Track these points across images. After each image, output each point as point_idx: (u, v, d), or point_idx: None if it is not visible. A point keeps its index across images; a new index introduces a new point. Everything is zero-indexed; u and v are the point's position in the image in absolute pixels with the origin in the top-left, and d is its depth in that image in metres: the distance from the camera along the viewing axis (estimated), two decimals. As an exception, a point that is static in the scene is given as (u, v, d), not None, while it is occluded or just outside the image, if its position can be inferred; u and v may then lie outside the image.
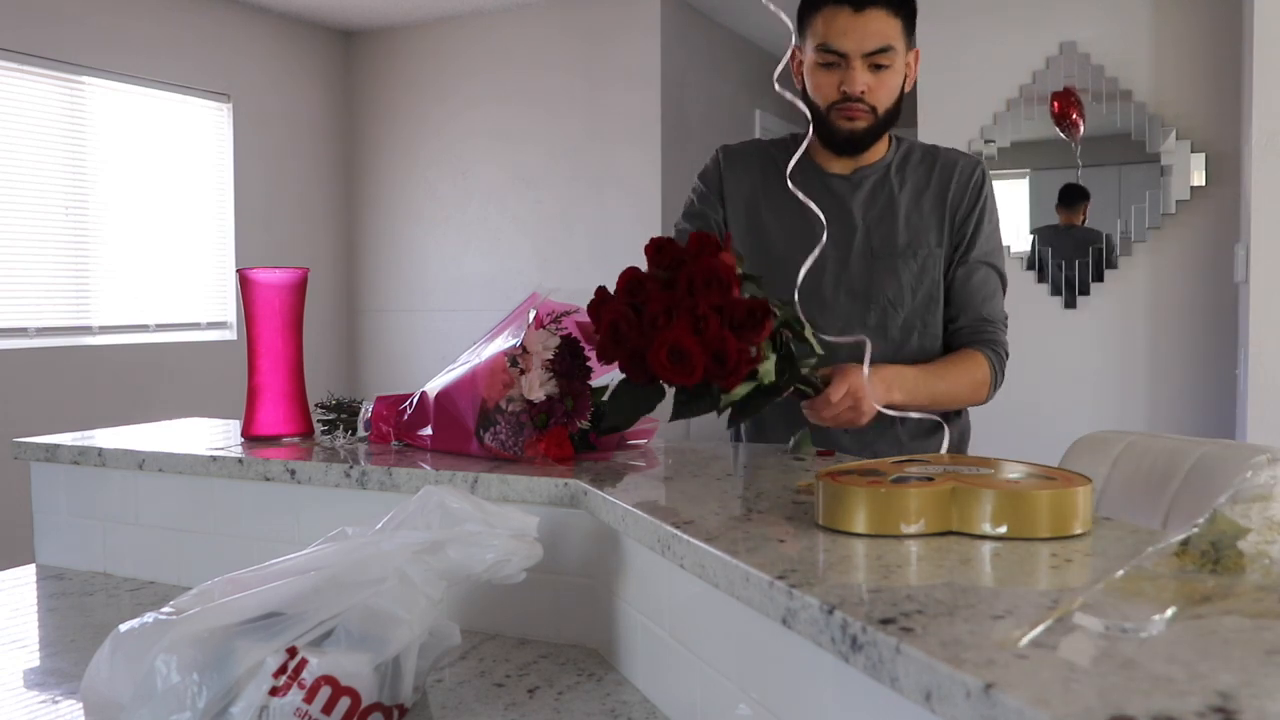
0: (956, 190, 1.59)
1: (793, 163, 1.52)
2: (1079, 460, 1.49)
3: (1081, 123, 3.79)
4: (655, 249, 1.18)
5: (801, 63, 1.56)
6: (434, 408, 1.33)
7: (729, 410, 1.21)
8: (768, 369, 1.18)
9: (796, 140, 1.66)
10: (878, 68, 1.49)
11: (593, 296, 1.21)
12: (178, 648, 0.80)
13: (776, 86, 1.45)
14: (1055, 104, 3.81)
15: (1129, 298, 3.81)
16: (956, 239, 1.59)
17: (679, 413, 1.20)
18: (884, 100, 1.52)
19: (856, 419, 1.36)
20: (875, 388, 1.37)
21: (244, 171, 4.81)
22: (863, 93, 1.49)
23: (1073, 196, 3.87)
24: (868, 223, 1.57)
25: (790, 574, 0.71)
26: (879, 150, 1.60)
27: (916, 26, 1.53)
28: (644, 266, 1.20)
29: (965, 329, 1.59)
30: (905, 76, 1.55)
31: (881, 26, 1.47)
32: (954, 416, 1.64)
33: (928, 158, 1.62)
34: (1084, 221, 3.86)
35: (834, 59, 1.49)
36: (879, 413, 1.38)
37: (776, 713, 0.75)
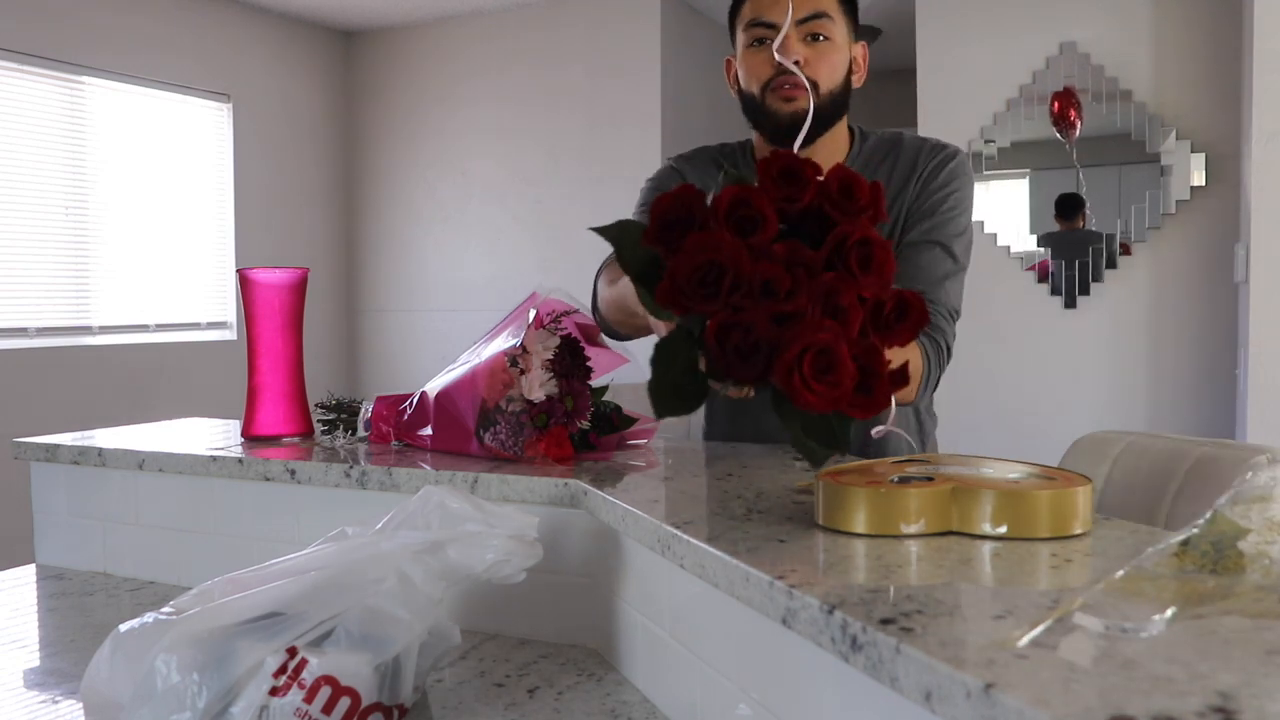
0: (915, 176, 1.44)
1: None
2: (1078, 460, 1.49)
3: (1079, 124, 3.79)
4: (780, 174, 0.78)
5: (736, 73, 1.43)
6: (434, 408, 1.33)
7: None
8: None
9: (746, 147, 1.55)
10: (814, 38, 1.36)
11: (656, 192, 0.81)
12: (178, 648, 0.80)
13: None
14: (1055, 104, 3.81)
15: (1129, 298, 3.81)
16: (906, 216, 1.43)
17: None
18: (826, 76, 1.36)
19: None
20: None
21: (244, 171, 4.81)
22: (798, 63, 1.33)
23: (1070, 206, 3.88)
24: None
25: (790, 574, 0.71)
26: (838, 151, 1.47)
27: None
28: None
29: None
30: (852, 68, 1.41)
31: None
32: (914, 423, 1.53)
33: (892, 151, 1.47)
34: (1084, 224, 3.86)
35: (765, 33, 1.36)
36: None
37: (776, 713, 0.75)
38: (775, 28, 1.35)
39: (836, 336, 0.72)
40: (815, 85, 1.35)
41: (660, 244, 0.77)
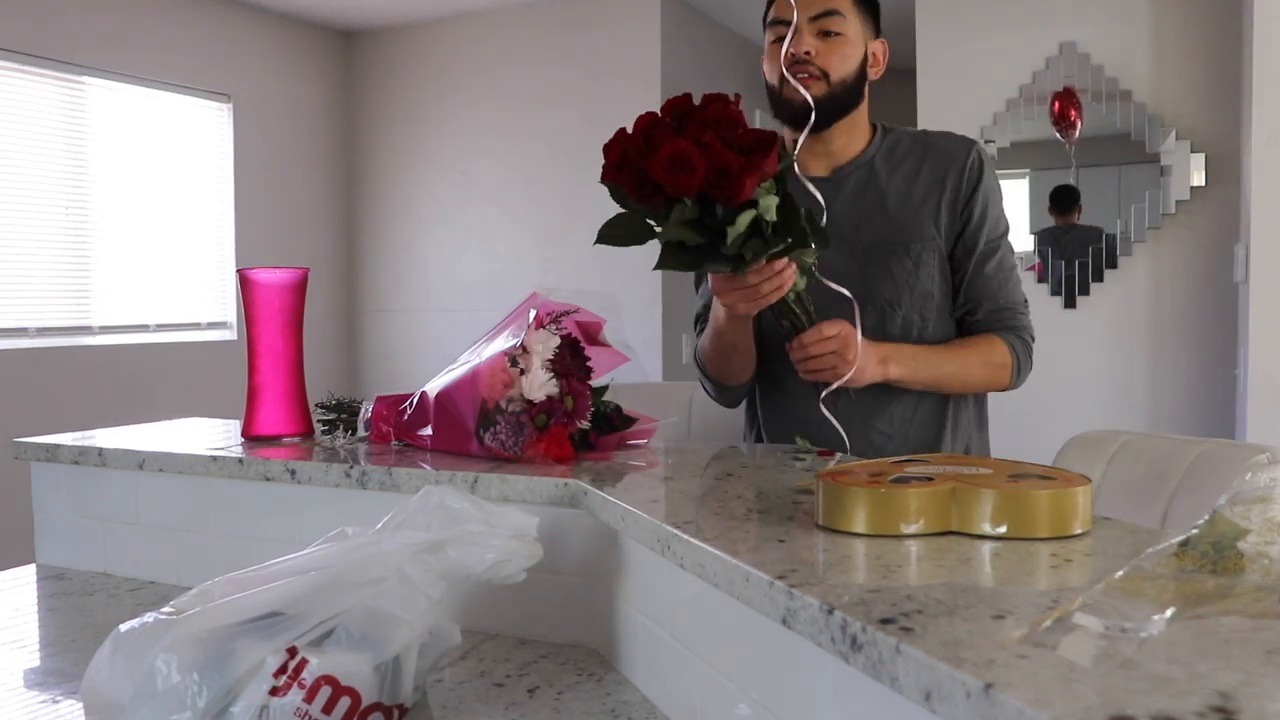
0: (953, 176, 1.53)
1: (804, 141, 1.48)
2: (1073, 459, 1.49)
3: (1079, 124, 3.79)
4: (669, 106, 1.16)
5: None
6: (434, 408, 1.33)
7: (719, 266, 1.17)
8: (769, 204, 1.13)
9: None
10: (826, 34, 1.46)
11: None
12: (178, 647, 0.81)
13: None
14: (1055, 104, 3.81)
15: (1129, 298, 3.81)
16: (959, 227, 1.53)
17: (670, 258, 1.16)
18: (836, 67, 1.47)
19: (841, 368, 1.34)
20: (868, 356, 1.37)
21: (244, 171, 4.81)
22: (809, 54, 1.45)
23: (1065, 198, 3.88)
24: (854, 221, 1.51)
25: (790, 574, 0.71)
26: (857, 142, 1.55)
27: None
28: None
29: (983, 321, 1.54)
30: (868, 61, 1.51)
31: None
32: (964, 425, 1.60)
33: (917, 145, 1.56)
34: (1079, 218, 3.86)
35: (783, 30, 1.48)
36: (879, 390, 1.38)
37: (776, 713, 0.75)
38: (790, 24, 1.47)
39: (686, 145, 1.08)
40: (826, 74, 1.47)
41: (605, 155, 1.15)
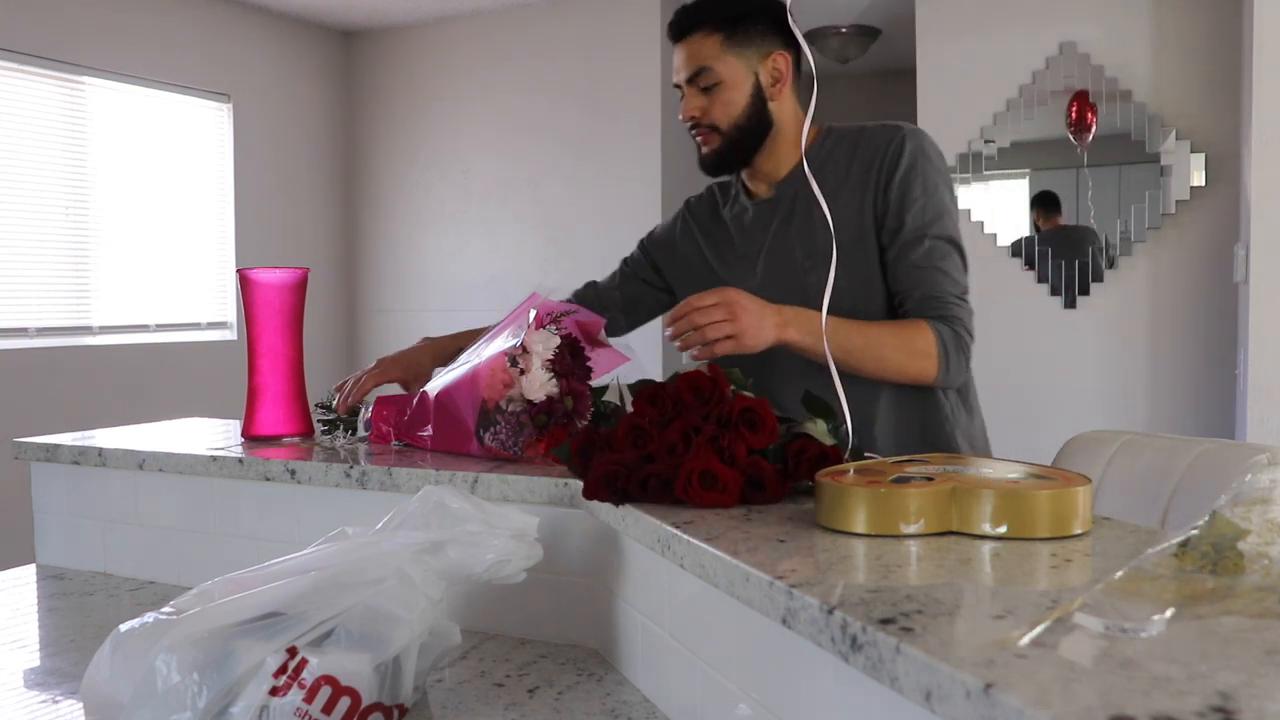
0: (876, 164, 1.49)
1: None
2: (1073, 460, 1.49)
3: (1094, 127, 3.79)
4: (649, 400, 1.02)
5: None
6: (434, 408, 1.33)
7: None
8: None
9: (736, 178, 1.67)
10: (706, 89, 1.52)
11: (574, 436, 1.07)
12: (178, 648, 0.81)
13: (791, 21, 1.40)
14: (1074, 107, 3.79)
15: (1129, 298, 3.81)
16: (881, 217, 1.49)
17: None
18: (723, 117, 1.52)
19: (736, 338, 1.28)
20: (765, 317, 1.31)
21: (244, 171, 4.81)
22: (695, 116, 1.53)
23: (1047, 202, 3.91)
24: (792, 238, 1.54)
25: (790, 574, 0.71)
26: (790, 157, 1.56)
27: (797, 29, 1.37)
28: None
29: (911, 312, 1.47)
30: (762, 86, 1.52)
31: (696, 50, 1.52)
32: (948, 424, 1.53)
33: (847, 140, 1.54)
34: (1061, 220, 3.89)
35: (679, 91, 1.57)
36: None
37: (776, 713, 0.75)
38: (679, 86, 1.56)
39: (712, 461, 0.96)
40: (716, 128, 1.53)
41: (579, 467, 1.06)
